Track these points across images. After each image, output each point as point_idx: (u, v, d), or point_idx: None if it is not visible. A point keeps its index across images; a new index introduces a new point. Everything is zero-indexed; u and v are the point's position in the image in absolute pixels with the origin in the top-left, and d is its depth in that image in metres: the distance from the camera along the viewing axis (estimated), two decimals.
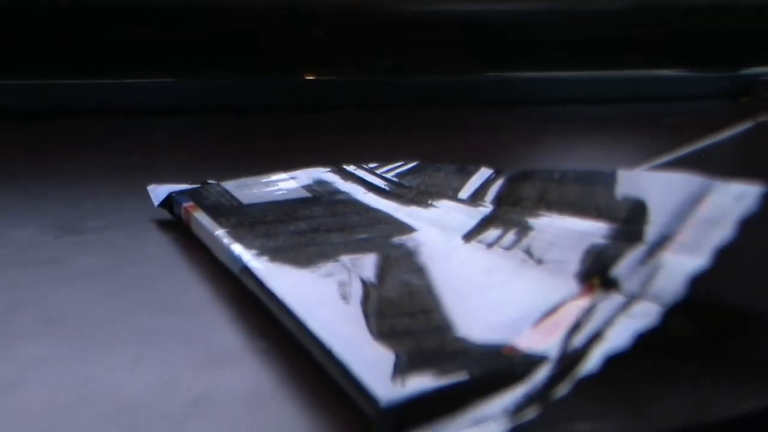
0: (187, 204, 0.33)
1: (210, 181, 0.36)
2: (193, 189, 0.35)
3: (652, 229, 0.19)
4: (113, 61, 0.68)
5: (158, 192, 0.36)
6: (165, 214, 0.35)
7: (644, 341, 0.17)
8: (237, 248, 0.28)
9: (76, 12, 0.66)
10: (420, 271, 0.24)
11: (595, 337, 0.17)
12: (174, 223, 0.35)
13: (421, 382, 0.18)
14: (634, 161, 0.46)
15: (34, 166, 0.46)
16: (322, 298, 0.23)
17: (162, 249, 0.32)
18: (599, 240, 0.20)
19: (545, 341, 0.18)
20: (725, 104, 0.76)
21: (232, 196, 0.33)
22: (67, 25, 0.66)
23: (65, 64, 0.66)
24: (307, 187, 0.34)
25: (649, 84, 0.80)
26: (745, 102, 0.77)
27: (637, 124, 0.67)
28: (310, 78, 0.73)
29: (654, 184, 0.20)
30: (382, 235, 0.27)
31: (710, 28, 0.79)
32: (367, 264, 0.25)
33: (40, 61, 0.66)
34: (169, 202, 0.35)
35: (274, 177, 0.36)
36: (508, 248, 0.23)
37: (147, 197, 0.36)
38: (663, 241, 0.19)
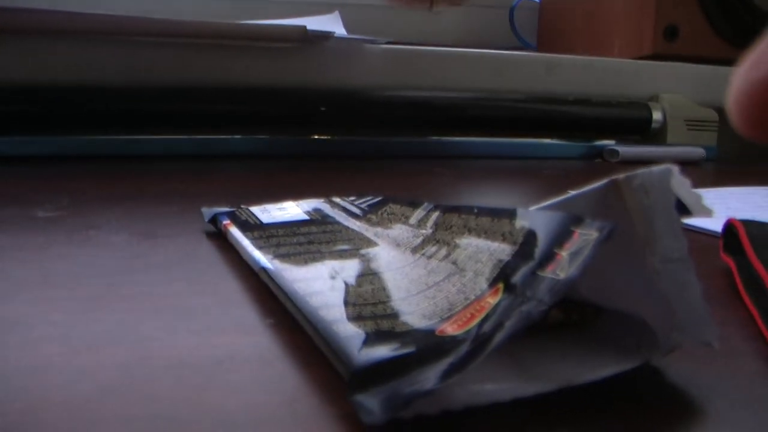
0: (226, 221, 0.32)
1: (242, 206, 0.35)
2: (230, 211, 0.34)
3: (540, 251, 0.18)
4: (196, 124, 0.66)
5: (207, 212, 0.35)
6: (211, 228, 0.34)
7: (532, 328, 0.16)
8: (257, 253, 0.27)
9: (189, 91, 0.64)
10: (380, 273, 0.23)
11: (499, 326, 0.16)
12: (217, 234, 0.33)
13: (380, 353, 0.17)
14: (525, 199, 0.47)
15: (128, 194, 0.45)
16: (314, 290, 0.22)
17: (208, 251, 0.31)
18: (504, 257, 0.19)
19: (465, 327, 0.17)
20: (584, 163, 0.77)
21: (256, 217, 0.32)
22: (180, 101, 0.65)
23: (158, 125, 0.65)
24: (307, 212, 0.33)
25: (535, 148, 0.80)
26: (598, 162, 0.78)
27: (526, 174, 0.67)
28: (316, 137, 0.72)
29: (541, 219, 0.19)
30: (355, 247, 0.27)
31: (576, 113, 0.80)
32: (349, 268, 0.24)
33: (151, 123, 0.64)
34: (214, 219, 0.34)
35: (285, 204, 0.35)
36: (441, 259, 0.22)
37: (200, 216, 0.35)
38: (547, 259, 0.18)
